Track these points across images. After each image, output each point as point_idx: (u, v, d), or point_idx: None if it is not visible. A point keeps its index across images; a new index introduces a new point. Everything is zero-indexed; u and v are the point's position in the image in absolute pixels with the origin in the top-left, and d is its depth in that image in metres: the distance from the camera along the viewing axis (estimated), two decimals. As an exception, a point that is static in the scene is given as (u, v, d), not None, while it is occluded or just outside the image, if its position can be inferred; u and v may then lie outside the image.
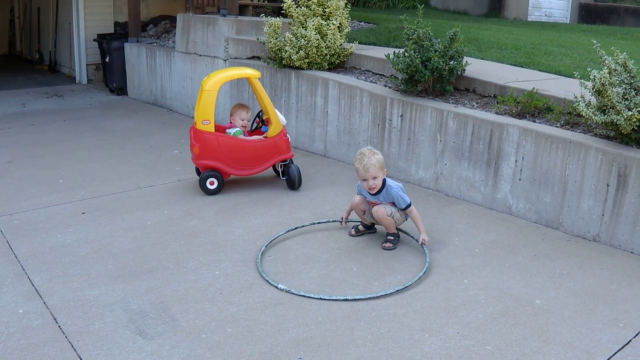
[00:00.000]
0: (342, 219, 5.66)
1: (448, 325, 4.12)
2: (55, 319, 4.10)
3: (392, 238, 5.37)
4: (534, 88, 6.36)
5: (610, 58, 5.58)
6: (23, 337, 3.89)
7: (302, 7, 8.43)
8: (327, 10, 8.36)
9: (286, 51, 8.17)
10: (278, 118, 6.70)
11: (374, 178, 5.15)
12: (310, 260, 5.05)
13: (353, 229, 5.63)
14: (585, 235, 5.62)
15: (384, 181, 5.26)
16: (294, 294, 4.47)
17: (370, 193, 5.30)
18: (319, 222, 5.77)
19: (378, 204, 5.29)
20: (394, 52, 7.05)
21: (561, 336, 4.03)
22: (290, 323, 4.11)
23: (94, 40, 13.17)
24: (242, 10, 10.49)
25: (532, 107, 6.27)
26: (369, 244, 5.40)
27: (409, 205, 5.26)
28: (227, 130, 6.70)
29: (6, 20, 18.93)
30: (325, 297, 4.43)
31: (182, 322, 4.10)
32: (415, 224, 5.32)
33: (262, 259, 5.02)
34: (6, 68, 16.22)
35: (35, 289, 4.48)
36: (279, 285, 4.57)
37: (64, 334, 3.94)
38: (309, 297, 4.43)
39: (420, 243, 5.18)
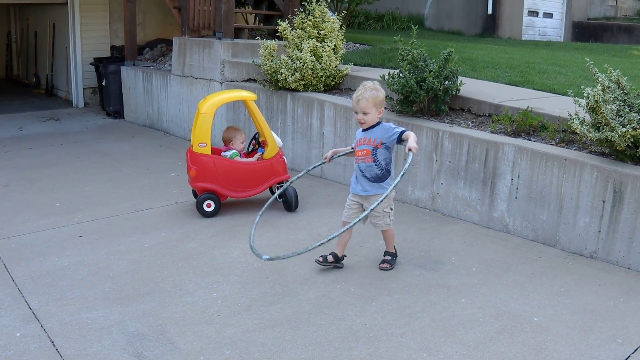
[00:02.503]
0: (326, 158, 5.47)
1: (446, 345, 4.12)
2: (52, 342, 4.10)
3: (389, 258, 5.36)
4: (528, 106, 6.39)
5: (604, 75, 5.62)
6: (20, 361, 3.89)
7: (297, 30, 8.48)
8: (322, 32, 8.41)
9: (282, 73, 8.21)
10: (274, 140, 6.73)
11: (365, 114, 4.95)
12: (307, 281, 5.05)
13: (321, 257, 5.31)
14: (582, 252, 5.63)
15: (380, 123, 5.08)
16: (280, 258, 4.94)
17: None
18: (313, 168, 5.87)
19: (370, 194, 5.12)
20: (389, 73, 7.09)
21: (560, 353, 4.03)
22: (289, 344, 4.11)
23: (91, 64, 13.22)
24: (238, 33, 10.54)
25: (527, 126, 6.30)
26: (367, 265, 5.40)
27: (404, 131, 4.96)
28: (223, 153, 6.71)
29: (3, 44, 19.00)
30: (302, 251, 4.77)
31: (180, 344, 4.09)
32: (408, 140, 4.88)
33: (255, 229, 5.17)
34: (3, 92, 16.26)
35: (33, 312, 4.48)
36: (264, 257, 4.78)
37: (61, 357, 3.93)
38: (290, 256, 4.88)
39: (407, 149, 4.71)
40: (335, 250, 5.31)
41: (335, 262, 5.30)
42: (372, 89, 4.94)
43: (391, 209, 5.20)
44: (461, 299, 4.77)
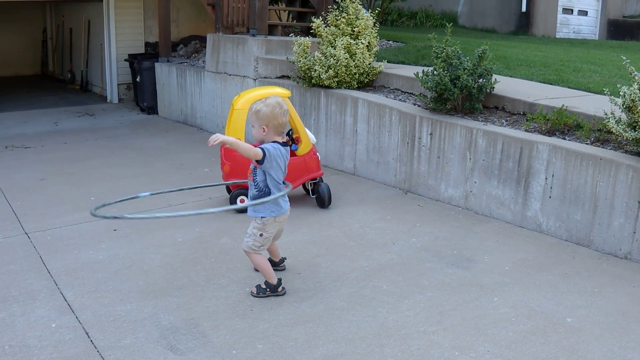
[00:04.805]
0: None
1: (478, 343, 4.11)
2: (87, 333, 4.15)
3: (263, 286, 4.77)
4: (563, 105, 6.34)
5: (640, 74, 5.56)
6: (55, 350, 3.94)
7: (331, 27, 8.48)
8: (355, 29, 8.40)
9: (315, 70, 8.22)
10: (308, 137, 6.74)
11: (252, 127, 4.61)
12: (340, 277, 5.06)
13: None
14: (617, 252, 5.58)
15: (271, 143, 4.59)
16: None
17: None
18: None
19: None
20: (423, 70, 7.07)
21: (592, 355, 4.00)
22: (320, 340, 4.12)
23: (125, 60, 13.34)
24: (272, 30, 10.56)
25: (562, 124, 6.26)
26: (399, 262, 5.40)
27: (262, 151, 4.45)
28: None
29: (39, 41, 19.23)
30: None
31: (213, 338, 4.12)
32: None
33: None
34: (39, 87, 16.47)
35: (68, 304, 4.54)
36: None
37: (95, 348, 3.98)
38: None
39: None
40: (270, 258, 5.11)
41: (274, 267, 5.01)
42: (263, 103, 4.55)
43: (261, 235, 4.67)
44: (494, 298, 4.75)
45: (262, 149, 4.45)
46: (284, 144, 4.62)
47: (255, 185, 4.63)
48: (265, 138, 4.59)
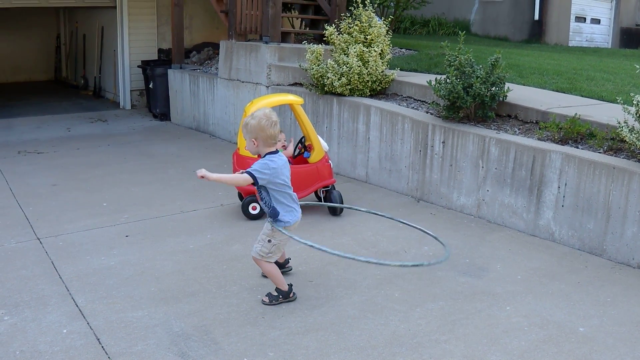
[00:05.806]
0: None
1: (490, 353, 4.10)
2: (98, 339, 4.16)
3: (275, 294, 4.76)
4: (576, 114, 6.32)
5: (655, 83, 5.54)
6: (66, 356, 3.95)
7: (344, 34, 8.48)
8: (368, 37, 8.40)
9: (328, 78, 8.22)
10: (320, 144, 6.74)
11: (245, 139, 4.64)
12: (352, 285, 5.06)
13: None
14: (630, 262, 5.55)
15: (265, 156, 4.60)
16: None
17: None
18: None
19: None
20: (436, 78, 7.06)
21: (606, 365, 3.99)
22: (332, 348, 4.11)
23: (138, 66, 13.38)
24: (284, 37, 10.58)
25: (575, 133, 6.23)
26: (411, 270, 5.38)
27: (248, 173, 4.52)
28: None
29: (52, 47, 19.35)
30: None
31: (224, 345, 4.12)
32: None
33: None
34: (52, 93, 16.56)
35: (79, 310, 4.55)
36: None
37: (107, 354, 3.99)
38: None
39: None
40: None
41: (281, 269, 5.05)
42: (250, 116, 4.54)
43: (269, 241, 4.66)
44: (506, 307, 4.73)
45: (248, 172, 4.49)
46: (276, 152, 4.62)
47: (265, 204, 4.65)
48: (258, 150, 4.62)
